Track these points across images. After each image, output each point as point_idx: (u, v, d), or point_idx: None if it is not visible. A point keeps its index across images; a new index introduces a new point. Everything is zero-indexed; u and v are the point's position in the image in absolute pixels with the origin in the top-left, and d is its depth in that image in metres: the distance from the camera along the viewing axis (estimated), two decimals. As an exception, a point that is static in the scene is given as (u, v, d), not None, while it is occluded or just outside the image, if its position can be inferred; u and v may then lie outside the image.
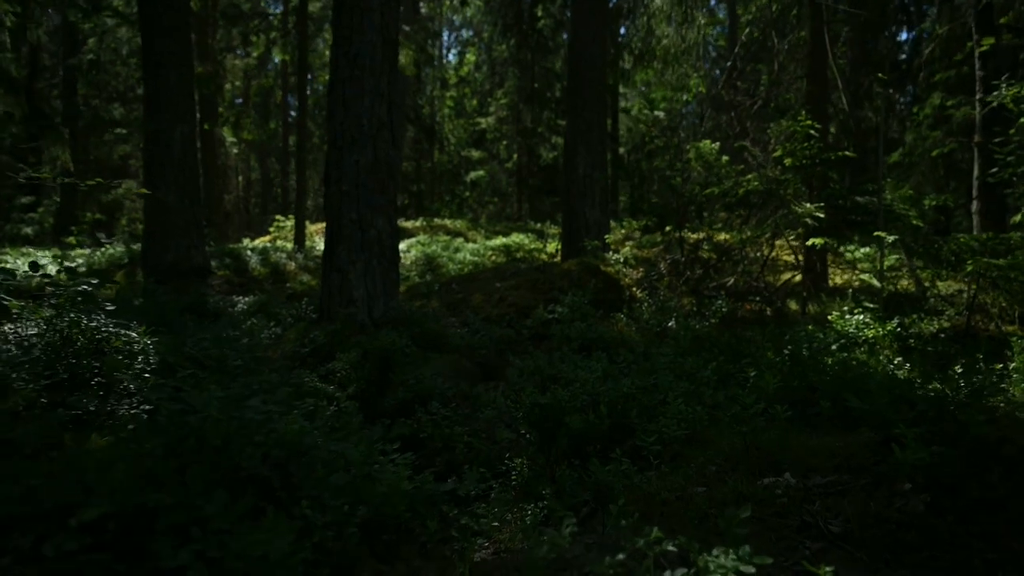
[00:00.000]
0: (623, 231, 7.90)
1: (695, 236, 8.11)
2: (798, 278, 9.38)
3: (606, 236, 8.05)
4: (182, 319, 7.26)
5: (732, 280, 8.34)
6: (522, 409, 3.03)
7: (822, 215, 6.00)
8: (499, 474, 3.32)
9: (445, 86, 35.76)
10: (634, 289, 7.61)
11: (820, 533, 1.98)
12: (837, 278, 10.17)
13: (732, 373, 5.10)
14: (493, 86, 33.57)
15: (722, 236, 8.05)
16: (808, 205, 6.18)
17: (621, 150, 28.55)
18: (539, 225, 21.83)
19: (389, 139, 6.50)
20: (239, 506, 1.65)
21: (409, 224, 20.82)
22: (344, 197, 6.32)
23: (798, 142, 7.22)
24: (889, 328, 5.54)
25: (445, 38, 39.61)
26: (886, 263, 6.31)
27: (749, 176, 7.07)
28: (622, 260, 7.78)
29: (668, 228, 7.75)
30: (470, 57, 33.64)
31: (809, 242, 5.95)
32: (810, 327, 5.57)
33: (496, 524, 2.78)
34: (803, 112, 7.37)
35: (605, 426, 3.45)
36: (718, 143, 7.34)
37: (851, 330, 5.55)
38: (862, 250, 10.90)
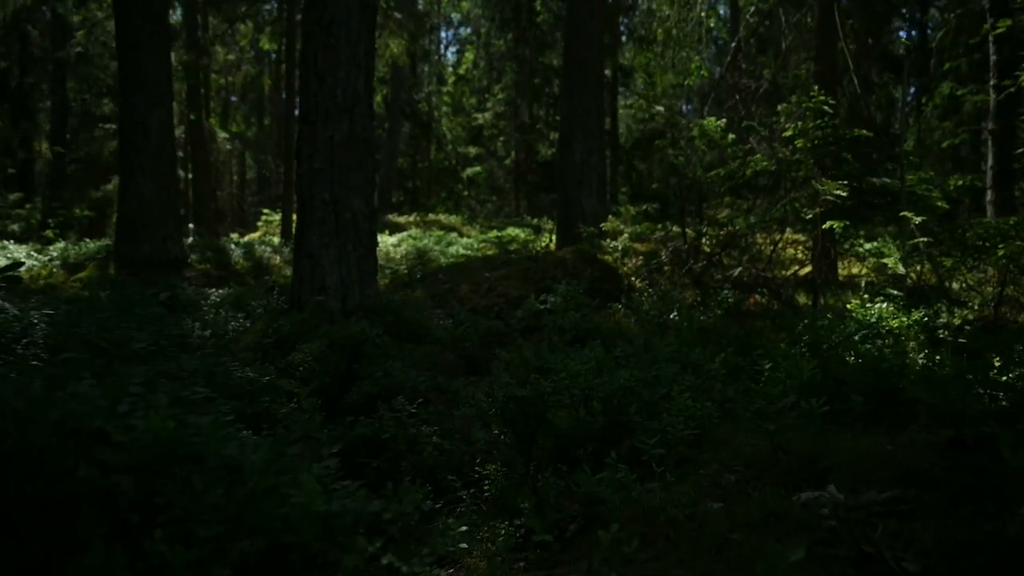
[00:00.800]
0: (621, 219, 7.37)
1: (694, 231, 7.54)
2: (807, 269, 8.85)
3: (603, 224, 7.50)
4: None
5: (738, 270, 7.80)
6: (496, 404, 2.49)
7: (845, 192, 5.44)
8: (471, 482, 2.78)
9: (442, 82, 35.22)
10: (633, 279, 7.07)
11: (888, 570, 1.44)
12: (844, 270, 9.63)
13: (742, 366, 4.57)
14: (491, 81, 33.07)
15: (726, 231, 7.49)
16: (829, 182, 5.64)
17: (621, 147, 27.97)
18: (536, 220, 21.29)
19: (367, 113, 5.96)
20: (49, 538, 1.11)
21: (402, 219, 20.30)
22: (316, 176, 5.78)
23: (810, 120, 6.69)
24: (915, 318, 5.00)
25: (444, 35, 39.03)
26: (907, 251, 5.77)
27: (758, 156, 6.53)
28: (620, 248, 7.24)
29: (669, 217, 7.22)
30: (468, 55, 33.04)
31: (827, 225, 5.42)
32: (830, 316, 5.03)
33: (465, 546, 2.25)
34: (815, 88, 6.83)
35: (598, 425, 2.92)
36: (724, 119, 6.80)
37: (873, 320, 5.01)
38: (868, 244, 10.33)
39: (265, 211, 19.91)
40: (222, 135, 31.26)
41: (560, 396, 3.05)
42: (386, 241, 15.03)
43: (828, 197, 5.52)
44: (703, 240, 7.02)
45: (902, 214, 5.14)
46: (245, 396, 4.18)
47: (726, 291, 6.50)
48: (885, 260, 5.35)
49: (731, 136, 6.68)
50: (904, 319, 5.02)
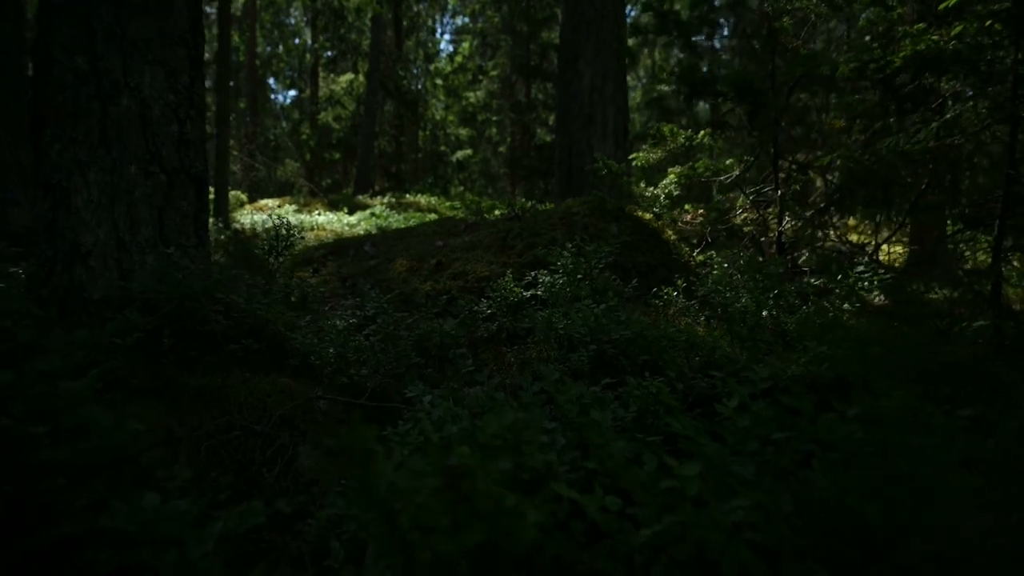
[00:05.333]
0: (655, 150, 4.41)
1: (792, 163, 4.52)
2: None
3: (631, 157, 4.55)
4: None
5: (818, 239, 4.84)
6: None
7: None
8: None
9: (430, 60, 32.28)
10: (687, 249, 4.10)
11: None
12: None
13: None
14: (484, 59, 30.36)
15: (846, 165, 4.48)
16: None
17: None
18: (530, 203, 18.39)
19: (174, -98, 2.98)
20: None
21: (375, 200, 17.34)
22: (58, 18, 2.80)
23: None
24: None
25: (441, 23, 35.89)
26: None
27: (919, 24, 3.59)
28: (663, 196, 4.25)
29: (752, 139, 4.23)
30: (465, 45, 30.14)
31: None
32: None
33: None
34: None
35: None
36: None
37: None
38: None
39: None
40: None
41: None
42: (343, 220, 12.13)
43: None
44: (807, 183, 4.05)
45: None
46: None
47: (862, 268, 3.54)
48: None
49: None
50: None
